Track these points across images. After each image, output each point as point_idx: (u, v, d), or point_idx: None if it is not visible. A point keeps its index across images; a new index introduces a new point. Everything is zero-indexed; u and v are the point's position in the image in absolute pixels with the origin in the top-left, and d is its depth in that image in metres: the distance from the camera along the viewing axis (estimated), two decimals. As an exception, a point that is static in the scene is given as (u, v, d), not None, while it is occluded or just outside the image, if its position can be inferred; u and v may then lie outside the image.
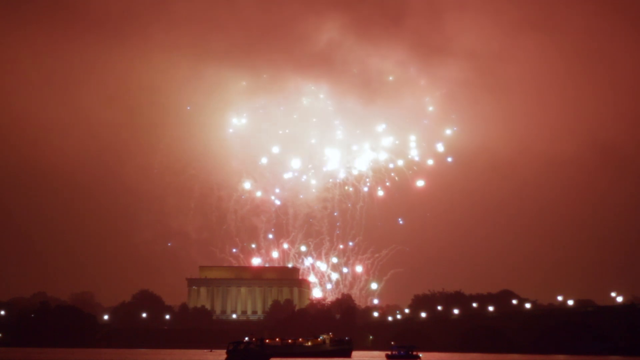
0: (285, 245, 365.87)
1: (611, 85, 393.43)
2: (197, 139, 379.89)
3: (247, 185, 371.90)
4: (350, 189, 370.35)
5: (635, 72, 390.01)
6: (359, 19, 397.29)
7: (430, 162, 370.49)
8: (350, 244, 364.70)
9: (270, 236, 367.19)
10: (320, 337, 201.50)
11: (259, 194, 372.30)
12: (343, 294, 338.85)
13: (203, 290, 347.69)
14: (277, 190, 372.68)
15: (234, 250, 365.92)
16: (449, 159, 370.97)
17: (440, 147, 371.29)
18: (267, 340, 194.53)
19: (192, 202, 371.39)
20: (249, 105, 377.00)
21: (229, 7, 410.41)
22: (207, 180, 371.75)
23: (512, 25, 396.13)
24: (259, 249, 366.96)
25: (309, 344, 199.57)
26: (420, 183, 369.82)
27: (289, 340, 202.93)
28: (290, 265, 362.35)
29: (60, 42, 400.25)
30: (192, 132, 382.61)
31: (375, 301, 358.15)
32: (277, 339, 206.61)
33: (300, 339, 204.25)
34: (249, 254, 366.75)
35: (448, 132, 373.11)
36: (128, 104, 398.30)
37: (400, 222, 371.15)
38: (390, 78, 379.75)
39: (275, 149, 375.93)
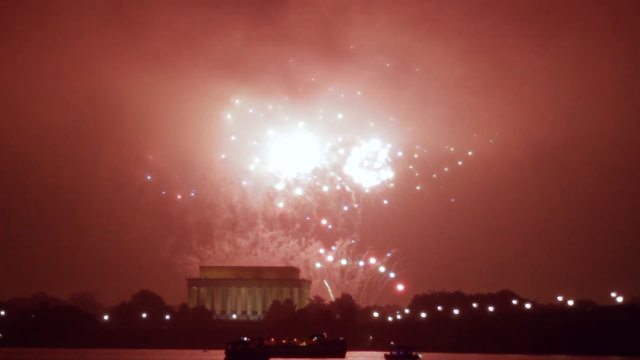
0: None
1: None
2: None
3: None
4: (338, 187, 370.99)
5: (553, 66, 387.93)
6: (264, 21, 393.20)
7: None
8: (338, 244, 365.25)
9: (289, 240, 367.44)
10: (315, 337, 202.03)
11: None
12: (343, 294, 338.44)
13: (203, 290, 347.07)
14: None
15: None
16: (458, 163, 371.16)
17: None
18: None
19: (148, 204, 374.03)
20: (186, 109, 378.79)
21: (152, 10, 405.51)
22: (160, 181, 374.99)
23: (420, 19, 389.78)
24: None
25: (303, 344, 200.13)
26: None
27: (284, 341, 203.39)
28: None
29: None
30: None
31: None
32: (272, 339, 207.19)
33: (295, 339, 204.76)
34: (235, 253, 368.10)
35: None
36: (70, 106, 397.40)
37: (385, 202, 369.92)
38: (313, 79, 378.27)
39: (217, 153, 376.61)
